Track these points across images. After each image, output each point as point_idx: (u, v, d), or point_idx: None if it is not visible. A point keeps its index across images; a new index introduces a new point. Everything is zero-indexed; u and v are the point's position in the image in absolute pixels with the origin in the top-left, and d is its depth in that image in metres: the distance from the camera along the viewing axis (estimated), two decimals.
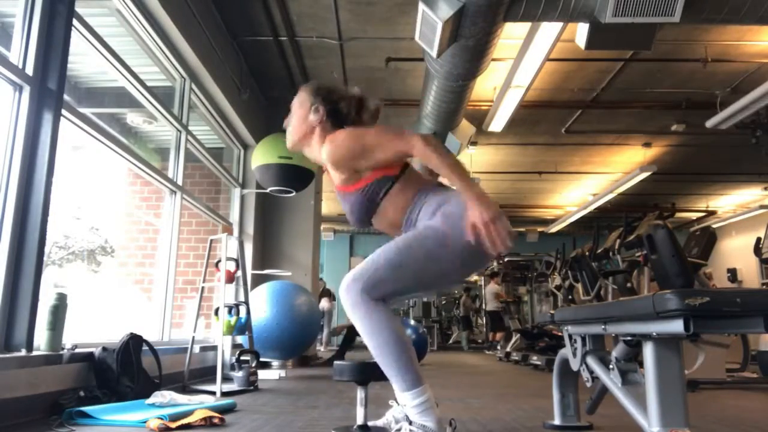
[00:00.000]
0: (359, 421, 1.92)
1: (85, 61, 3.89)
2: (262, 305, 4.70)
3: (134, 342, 2.79)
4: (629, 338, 1.58)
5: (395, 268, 1.66)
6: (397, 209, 1.79)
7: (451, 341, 14.33)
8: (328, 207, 11.02)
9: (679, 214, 11.32)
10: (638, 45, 4.00)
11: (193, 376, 3.76)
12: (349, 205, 1.81)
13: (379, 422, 1.81)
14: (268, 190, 5.25)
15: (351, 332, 6.86)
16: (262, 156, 5.02)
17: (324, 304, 9.54)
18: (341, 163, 1.76)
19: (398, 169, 1.80)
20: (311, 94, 1.92)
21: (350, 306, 1.63)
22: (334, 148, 1.75)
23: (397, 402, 1.73)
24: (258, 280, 5.41)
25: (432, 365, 6.38)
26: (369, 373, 1.85)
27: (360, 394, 1.92)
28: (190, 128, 4.43)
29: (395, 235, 1.84)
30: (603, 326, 1.64)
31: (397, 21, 4.68)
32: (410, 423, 1.60)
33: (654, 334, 1.37)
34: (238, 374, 3.42)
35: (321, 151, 1.82)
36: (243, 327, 3.83)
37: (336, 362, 1.96)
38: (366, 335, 1.62)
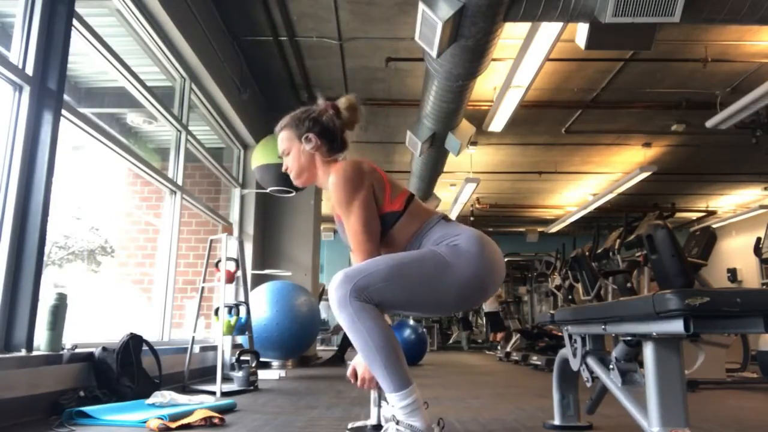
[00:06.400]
0: (373, 420, 1.93)
1: (85, 61, 3.89)
2: (262, 305, 4.70)
3: (134, 342, 2.79)
4: (629, 338, 1.58)
5: (387, 280, 1.63)
6: (400, 241, 1.79)
7: (450, 341, 14.34)
8: (328, 207, 11.01)
9: (679, 214, 11.32)
10: (638, 45, 3.99)
11: (193, 376, 3.76)
12: None
13: (369, 422, 1.81)
14: (268, 190, 5.25)
15: (343, 345, 6.86)
16: (262, 156, 5.02)
17: None
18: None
19: (402, 203, 1.79)
20: (292, 128, 1.91)
21: (337, 305, 1.61)
22: (332, 188, 1.76)
23: (386, 401, 1.73)
24: (258, 280, 5.41)
25: (432, 365, 6.38)
26: None
27: (374, 393, 1.93)
28: (190, 128, 4.43)
29: None
30: (603, 326, 1.64)
31: (397, 21, 4.68)
32: (398, 423, 1.60)
33: (654, 334, 1.37)
34: (238, 374, 3.42)
35: (329, 183, 1.82)
36: (243, 327, 3.83)
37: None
38: (353, 335, 1.60)
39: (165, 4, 3.51)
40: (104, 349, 2.64)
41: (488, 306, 10.51)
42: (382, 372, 1.59)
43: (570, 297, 6.84)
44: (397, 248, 1.80)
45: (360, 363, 1.77)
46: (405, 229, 1.78)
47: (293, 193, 5.31)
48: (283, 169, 1.95)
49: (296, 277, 5.82)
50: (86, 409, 2.19)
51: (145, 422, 2.07)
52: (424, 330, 7.13)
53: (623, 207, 9.57)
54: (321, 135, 1.87)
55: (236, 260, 3.91)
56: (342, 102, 1.91)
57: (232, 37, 4.95)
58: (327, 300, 12.06)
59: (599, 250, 6.20)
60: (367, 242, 1.71)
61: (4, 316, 2.20)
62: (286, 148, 1.92)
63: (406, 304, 1.71)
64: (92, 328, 4.23)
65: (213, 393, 3.13)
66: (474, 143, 7.51)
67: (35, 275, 2.27)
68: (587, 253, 6.00)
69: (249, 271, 5.21)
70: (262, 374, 4.13)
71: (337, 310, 1.62)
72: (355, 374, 1.81)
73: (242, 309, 3.85)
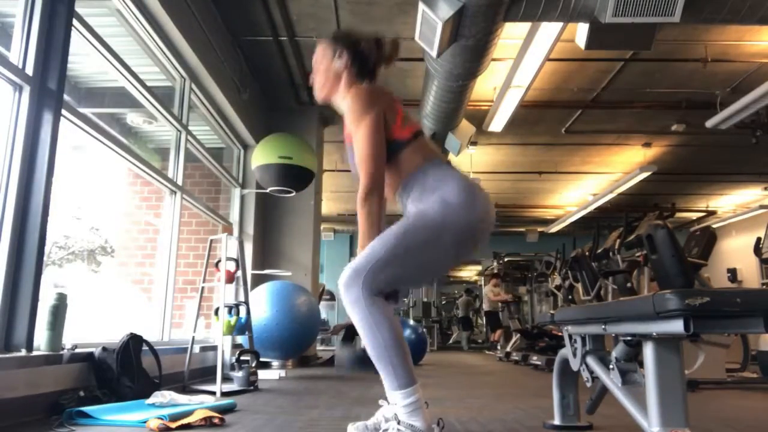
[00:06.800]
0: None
1: (85, 61, 3.89)
2: (262, 305, 4.70)
3: (134, 342, 2.79)
4: (629, 338, 1.58)
5: (393, 258, 1.67)
6: (400, 173, 1.83)
7: (451, 341, 14.34)
8: (328, 207, 11.02)
9: (679, 214, 11.32)
10: (638, 45, 4.00)
11: (193, 376, 3.76)
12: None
13: (369, 422, 1.81)
14: (268, 190, 5.25)
15: (350, 331, 6.88)
16: (262, 156, 5.02)
17: None
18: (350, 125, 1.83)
19: (410, 134, 1.84)
20: (330, 42, 1.97)
21: (350, 301, 1.64)
22: (346, 105, 1.83)
23: (387, 401, 1.73)
24: (258, 280, 5.41)
25: (432, 365, 6.38)
26: None
27: None
28: (190, 128, 4.43)
29: (394, 198, 1.88)
30: (603, 326, 1.64)
31: (397, 21, 4.68)
32: (399, 422, 1.60)
33: (654, 334, 1.37)
34: (238, 374, 3.42)
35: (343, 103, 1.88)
36: (243, 327, 3.83)
37: None
38: (363, 331, 1.62)
39: (165, 4, 3.51)
40: (104, 349, 2.64)
41: (487, 306, 10.53)
42: (388, 369, 1.60)
43: (570, 297, 6.83)
44: (398, 178, 1.83)
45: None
46: (409, 159, 1.82)
47: (293, 193, 5.31)
48: (310, 81, 2.01)
49: (296, 277, 5.82)
50: (86, 409, 2.19)
51: (145, 422, 2.07)
52: (424, 330, 7.13)
53: (623, 207, 9.56)
54: (354, 57, 1.92)
55: (236, 260, 3.91)
56: (388, 39, 2.00)
57: (232, 37, 4.95)
58: (327, 300, 12.05)
59: (599, 250, 6.19)
60: (373, 160, 1.75)
61: (4, 316, 2.20)
62: (318, 59, 1.98)
63: (415, 275, 1.77)
64: (92, 328, 4.22)
65: (213, 393, 3.13)
66: (474, 143, 7.50)
67: (35, 275, 2.27)
68: (587, 253, 6.00)
69: (249, 271, 5.21)
70: (262, 374, 4.13)
71: (349, 305, 1.64)
72: None
73: (242, 309, 3.85)
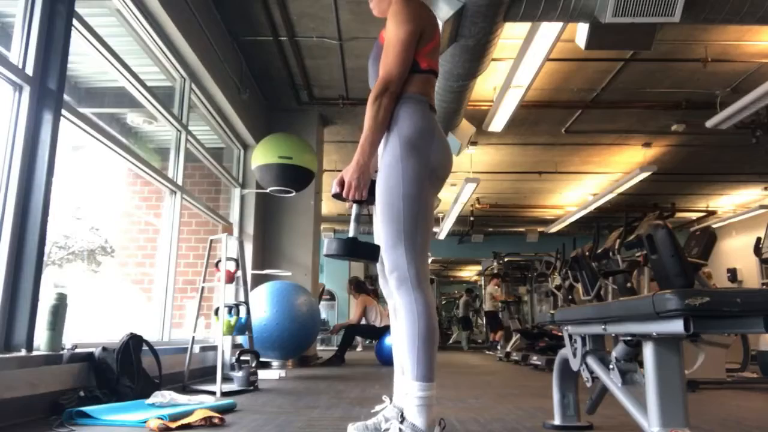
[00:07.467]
0: (351, 234, 1.89)
1: (85, 61, 3.89)
2: (262, 305, 4.70)
3: (134, 342, 2.79)
4: (629, 338, 1.58)
5: (411, 236, 1.72)
6: (405, 89, 1.84)
7: (450, 341, 14.34)
8: (328, 207, 11.02)
9: (679, 214, 11.32)
10: (638, 45, 4.00)
11: (193, 376, 3.76)
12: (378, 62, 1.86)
13: (370, 422, 1.81)
14: (268, 190, 5.26)
15: (349, 333, 6.88)
16: (262, 156, 5.03)
17: None
18: None
19: (428, 66, 1.87)
20: None
21: (401, 294, 1.72)
22: (392, 10, 1.84)
23: (390, 399, 1.73)
24: (258, 280, 5.41)
25: None
26: (373, 191, 1.83)
27: (355, 209, 1.88)
28: (190, 128, 4.43)
29: None
30: (603, 326, 1.64)
31: None
32: (401, 422, 1.61)
33: (654, 334, 1.37)
34: (238, 374, 3.42)
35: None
36: (243, 327, 3.83)
37: None
38: (408, 319, 1.69)
39: (165, 4, 3.51)
40: (104, 349, 2.64)
41: (487, 305, 10.53)
42: (413, 357, 1.66)
43: (570, 297, 6.83)
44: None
45: (348, 169, 1.77)
46: (414, 83, 1.85)
47: (293, 193, 5.31)
48: None
49: (296, 277, 5.82)
50: (86, 409, 2.19)
51: (145, 422, 2.07)
52: None
53: (623, 207, 9.58)
54: None
55: (236, 260, 3.91)
56: None
57: (232, 37, 4.95)
58: (327, 300, 12.03)
59: (599, 250, 6.19)
60: (398, 58, 1.77)
61: (4, 316, 2.20)
62: None
63: (428, 221, 1.80)
64: (92, 328, 4.22)
65: (213, 393, 3.13)
66: (474, 143, 7.51)
67: (35, 275, 2.27)
68: (587, 253, 5.99)
69: (249, 271, 5.21)
70: (262, 374, 4.13)
71: (398, 295, 1.71)
72: (341, 182, 1.79)
73: (242, 309, 3.85)
